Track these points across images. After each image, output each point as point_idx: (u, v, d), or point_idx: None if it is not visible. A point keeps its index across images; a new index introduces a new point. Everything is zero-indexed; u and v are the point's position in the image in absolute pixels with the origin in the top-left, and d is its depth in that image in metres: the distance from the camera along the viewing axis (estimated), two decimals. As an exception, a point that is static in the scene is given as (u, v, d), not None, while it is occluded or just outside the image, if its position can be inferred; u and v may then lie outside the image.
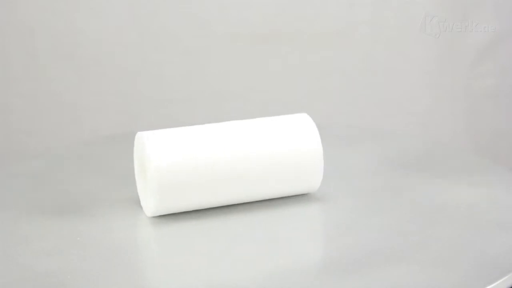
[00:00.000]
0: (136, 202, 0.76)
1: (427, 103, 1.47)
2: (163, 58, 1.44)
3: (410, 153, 0.90)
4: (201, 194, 0.71)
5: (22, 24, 1.42)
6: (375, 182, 0.81)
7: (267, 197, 0.75)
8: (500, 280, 0.60)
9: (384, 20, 1.43)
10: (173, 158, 0.69)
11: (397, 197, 0.77)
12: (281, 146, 0.73)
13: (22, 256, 0.66)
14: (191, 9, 1.43)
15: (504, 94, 1.47)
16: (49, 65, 1.43)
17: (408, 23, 1.43)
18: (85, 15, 1.42)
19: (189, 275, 0.62)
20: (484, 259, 0.65)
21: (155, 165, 0.69)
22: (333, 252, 0.67)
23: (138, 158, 0.73)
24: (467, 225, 0.71)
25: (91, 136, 1.46)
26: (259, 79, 1.46)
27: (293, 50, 1.45)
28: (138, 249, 0.69)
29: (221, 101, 1.46)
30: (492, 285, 0.60)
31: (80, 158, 0.92)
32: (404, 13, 1.43)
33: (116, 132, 1.44)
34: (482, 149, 1.47)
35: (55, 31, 1.42)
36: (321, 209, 0.75)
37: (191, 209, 0.72)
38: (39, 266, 0.64)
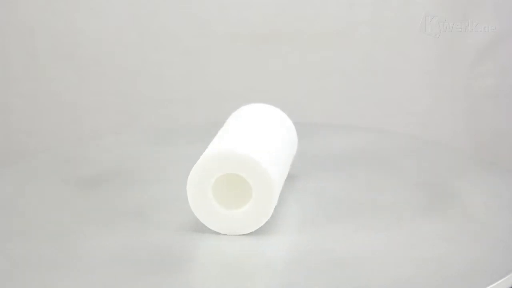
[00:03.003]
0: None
1: (427, 103, 1.47)
2: (163, 58, 1.44)
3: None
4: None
5: (22, 24, 1.42)
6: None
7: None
8: (500, 281, 0.60)
9: (384, 20, 1.43)
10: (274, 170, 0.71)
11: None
12: (280, 129, 0.80)
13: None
14: (191, 9, 1.42)
15: (504, 94, 1.47)
16: (49, 65, 1.43)
17: (408, 23, 1.43)
18: (85, 15, 1.42)
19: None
20: (484, 258, 0.65)
21: (273, 180, 0.69)
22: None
23: (227, 179, 0.70)
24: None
25: (91, 136, 1.46)
26: (259, 79, 1.46)
27: (293, 50, 1.44)
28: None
29: (221, 101, 1.46)
30: (492, 285, 0.60)
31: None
32: (404, 13, 1.42)
33: (116, 132, 1.44)
34: (482, 149, 1.47)
35: (55, 31, 1.42)
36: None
37: None
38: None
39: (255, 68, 1.46)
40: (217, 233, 0.70)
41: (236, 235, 0.69)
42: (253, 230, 0.69)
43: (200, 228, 0.70)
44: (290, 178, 0.82)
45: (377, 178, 0.85)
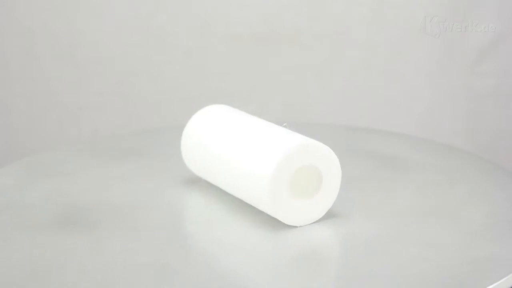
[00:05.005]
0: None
1: (427, 103, 1.47)
2: (163, 58, 1.44)
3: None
4: None
5: (22, 24, 1.42)
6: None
7: None
8: (501, 281, 0.60)
9: (384, 20, 1.43)
10: None
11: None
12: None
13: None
14: (191, 9, 1.42)
15: (504, 94, 1.47)
16: (49, 65, 1.43)
17: (408, 23, 1.43)
18: (85, 15, 1.42)
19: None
20: (484, 258, 0.64)
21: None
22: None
23: (308, 171, 0.70)
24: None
25: (91, 135, 1.46)
26: (259, 79, 1.46)
27: (293, 50, 1.44)
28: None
29: (221, 101, 1.46)
30: (493, 285, 0.60)
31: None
32: (404, 13, 1.43)
33: (117, 132, 1.44)
34: (482, 149, 1.47)
35: (55, 31, 1.42)
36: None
37: None
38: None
39: (255, 68, 1.46)
40: (289, 227, 0.70)
41: (306, 225, 0.70)
42: (322, 216, 0.71)
43: (264, 226, 0.70)
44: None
45: None
